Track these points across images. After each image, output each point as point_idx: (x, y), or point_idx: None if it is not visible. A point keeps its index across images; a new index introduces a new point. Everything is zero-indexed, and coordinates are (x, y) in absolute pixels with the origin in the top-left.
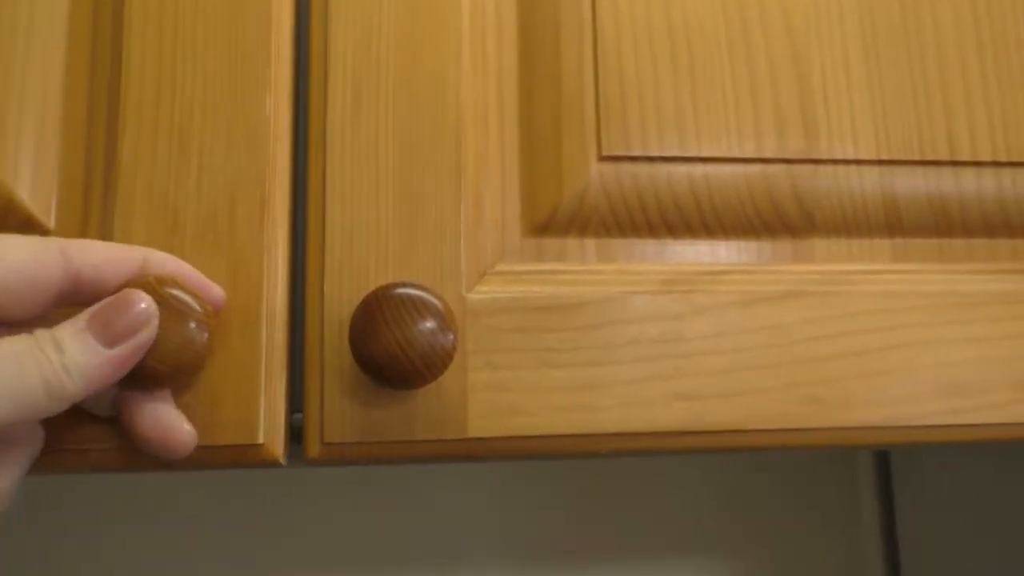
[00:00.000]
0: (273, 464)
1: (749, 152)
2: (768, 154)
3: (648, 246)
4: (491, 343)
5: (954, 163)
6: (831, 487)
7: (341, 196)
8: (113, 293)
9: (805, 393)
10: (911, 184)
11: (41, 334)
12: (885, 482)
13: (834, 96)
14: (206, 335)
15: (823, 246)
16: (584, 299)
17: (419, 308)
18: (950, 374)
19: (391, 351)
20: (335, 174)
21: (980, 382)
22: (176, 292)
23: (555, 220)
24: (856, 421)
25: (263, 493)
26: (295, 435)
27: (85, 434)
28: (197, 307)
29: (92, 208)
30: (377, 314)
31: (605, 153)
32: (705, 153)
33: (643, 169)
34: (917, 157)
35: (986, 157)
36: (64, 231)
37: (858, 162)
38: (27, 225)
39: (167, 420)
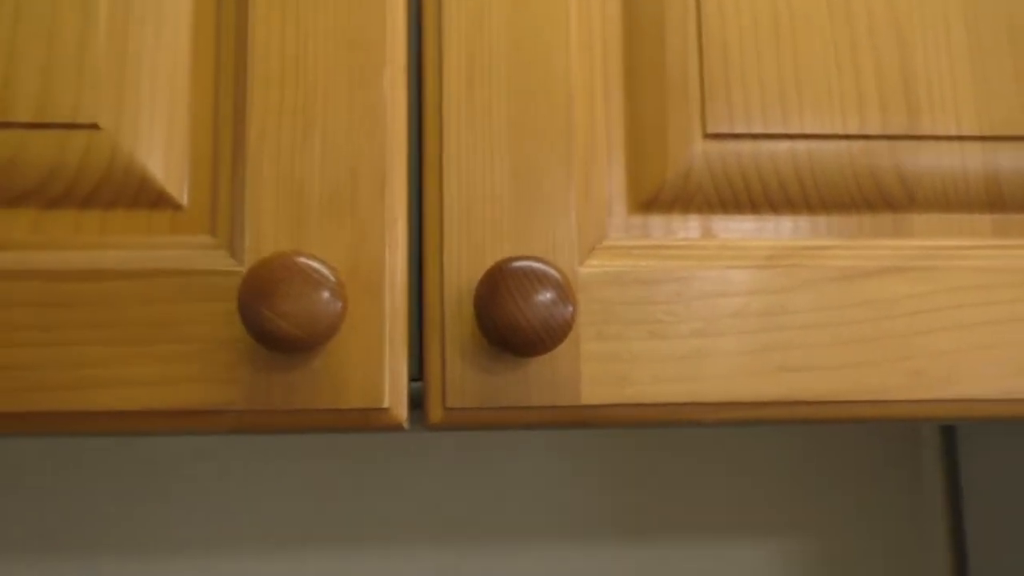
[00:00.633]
0: (397, 428)
1: (852, 129)
2: (871, 131)
3: (749, 222)
4: (601, 315)
5: None
6: (893, 466)
7: (457, 172)
8: None
9: (907, 366)
10: (1013, 160)
11: None
12: (951, 460)
13: (936, 74)
14: (340, 303)
15: (922, 221)
16: (689, 273)
17: (540, 279)
18: None
19: (514, 320)
20: (451, 151)
21: None
22: (312, 263)
23: (660, 197)
24: (957, 394)
25: (327, 464)
26: (415, 402)
27: (223, 396)
28: (331, 276)
29: (221, 184)
30: (501, 285)
31: (710, 131)
32: (808, 130)
33: (746, 146)
34: (1020, 133)
35: None
36: (195, 207)
37: (960, 138)
38: (160, 201)
39: None
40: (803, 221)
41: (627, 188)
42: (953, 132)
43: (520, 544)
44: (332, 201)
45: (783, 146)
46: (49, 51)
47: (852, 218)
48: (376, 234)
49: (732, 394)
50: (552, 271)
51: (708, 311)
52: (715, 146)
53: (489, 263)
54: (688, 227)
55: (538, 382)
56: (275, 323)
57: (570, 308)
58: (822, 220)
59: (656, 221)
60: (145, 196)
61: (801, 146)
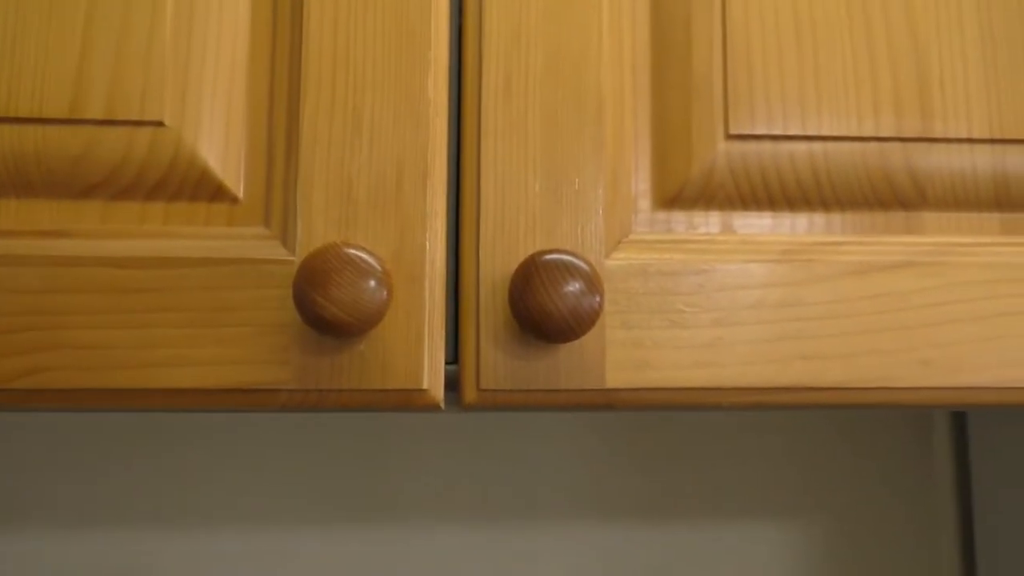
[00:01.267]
0: (434, 408)
1: (867, 131)
2: (885, 133)
3: (767, 218)
4: (626, 305)
5: None
6: (906, 451)
7: (494, 171)
8: None
9: (916, 356)
10: (1021, 161)
11: None
12: (961, 447)
13: (950, 78)
14: (385, 292)
15: (933, 219)
16: (710, 266)
17: (570, 271)
18: None
19: (545, 308)
20: (488, 151)
21: None
22: (361, 253)
23: (683, 194)
24: (963, 382)
25: (356, 438)
26: (449, 384)
27: (275, 376)
28: (378, 266)
29: (275, 179)
30: (534, 276)
31: (732, 132)
32: (826, 132)
33: (767, 147)
34: None
35: None
36: (250, 200)
37: (971, 141)
38: (218, 194)
39: None
40: (819, 218)
41: (652, 186)
42: (964, 135)
43: (541, 524)
44: (378, 195)
45: (801, 147)
46: (119, 50)
47: (865, 215)
48: (418, 227)
49: (749, 380)
50: (581, 263)
51: (727, 302)
52: (737, 146)
53: (522, 255)
54: (709, 223)
55: (566, 367)
56: (327, 309)
57: (597, 298)
58: (837, 217)
59: (679, 217)
60: (205, 189)
61: (818, 147)
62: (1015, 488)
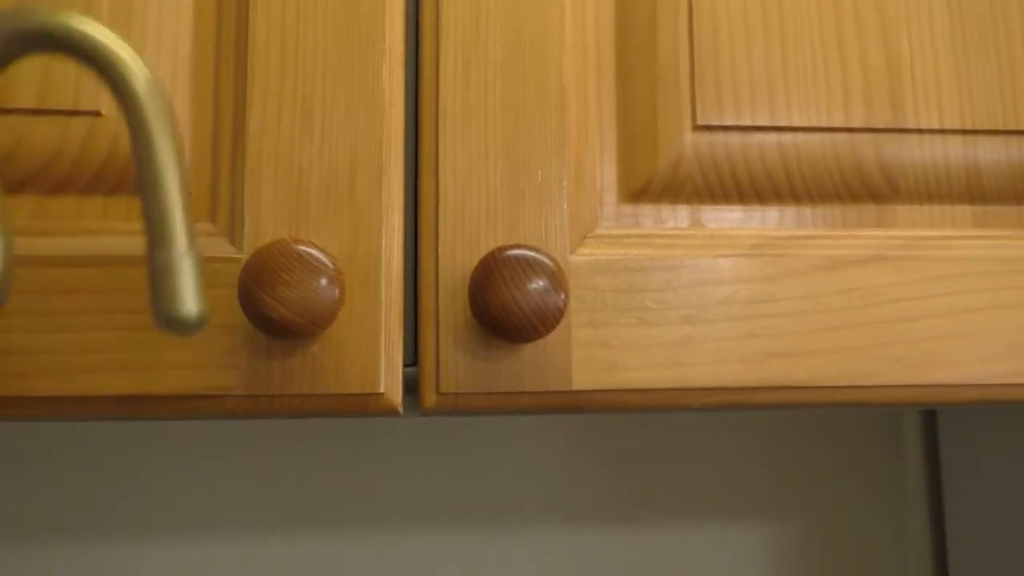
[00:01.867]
0: (392, 412)
1: (837, 122)
2: (856, 124)
3: (737, 211)
4: (592, 302)
5: None
6: (876, 450)
7: (453, 163)
8: None
9: (888, 352)
10: (993, 153)
11: None
12: (931, 445)
13: (920, 69)
14: (337, 290)
15: (905, 212)
16: (678, 262)
17: (533, 267)
18: None
19: (507, 306)
20: (447, 142)
21: None
22: (311, 250)
23: (650, 187)
24: (936, 379)
25: (323, 444)
26: (409, 387)
27: (222, 381)
28: (329, 263)
29: (221, 173)
30: (495, 272)
31: (699, 123)
32: (795, 123)
33: (735, 138)
34: (1000, 127)
35: None
36: (196, 195)
37: (943, 132)
38: None
39: None
40: (789, 211)
41: (618, 178)
42: (936, 126)
43: (512, 528)
44: (330, 190)
45: (770, 138)
46: None
47: (836, 208)
48: (373, 222)
49: (719, 380)
50: (545, 259)
51: (696, 299)
52: (704, 138)
53: (483, 252)
54: (677, 216)
55: (530, 368)
56: (275, 309)
57: (562, 295)
58: (807, 210)
59: (646, 211)
60: None
61: (788, 138)
62: (986, 485)
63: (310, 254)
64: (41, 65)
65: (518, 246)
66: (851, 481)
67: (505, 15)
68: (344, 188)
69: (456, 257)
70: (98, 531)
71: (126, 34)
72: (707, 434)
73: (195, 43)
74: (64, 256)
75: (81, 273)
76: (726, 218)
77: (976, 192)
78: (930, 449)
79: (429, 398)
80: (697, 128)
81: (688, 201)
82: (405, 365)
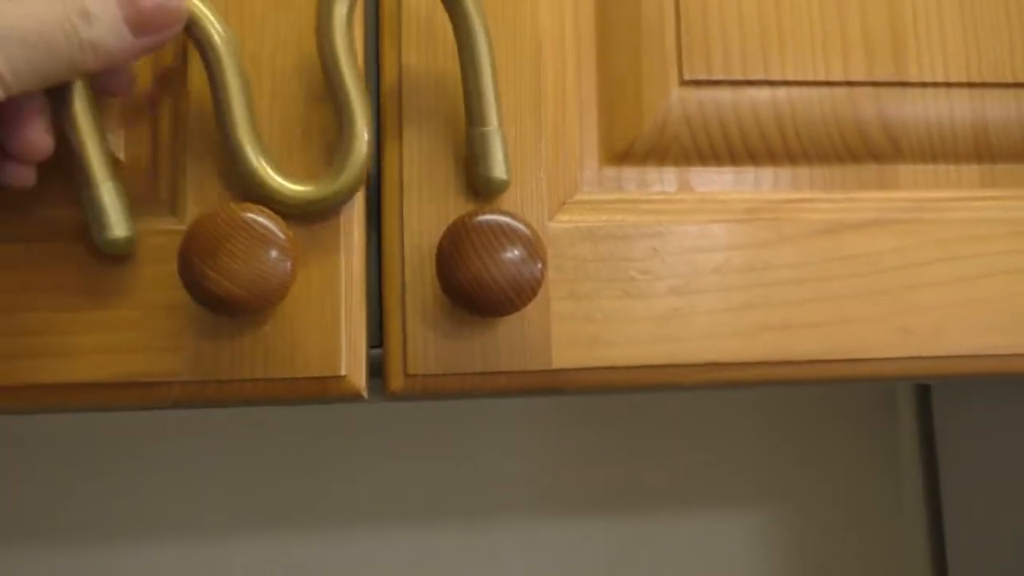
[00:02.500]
0: (355, 397)
1: (836, 75)
2: (855, 77)
3: (728, 174)
4: (573, 273)
5: None
6: (870, 430)
7: (418, 124)
8: None
9: (894, 323)
10: (1002, 108)
11: (72, 4)
12: (927, 427)
13: (924, 17)
14: (288, 263)
15: (908, 172)
16: (665, 228)
17: (507, 235)
18: None
19: (479, 278)
20: (410, 95)
21: None
22: (259, 217)
23: (634, 149)
24: (946, 350)
25: (301, 438)
26: (374, 370)
27: (166, 366)
28: (280, 232)
29: (161, 138)
30: (465, 241)
31: (687, 77)
32: (790, 76)
33: (726, 94)
34: (1010, 80)
35: None
36: (133, 162)
37: (948, 85)
38: None
39: None
40: (784, 172)
41: (599, 139)
42: (940, 79)
43: (498, 519)
44: (282, 153)
45: (764, 93)
46: None
47: (835, 169)
48: None
49: (712, 355)
50: (520, 226)
51: (686, 267)
52: (692, 93)
53: (452, 218)
54: (664, 180)
55: (506, 345)
56: (218, 283)
57: (539, 265)
58: (804, 171)
59: (630, 174)
60: None
61: (782, 93)
62: (982, 467)
63: (256, 221)
64: None
65: (490, 211)
66: (844, 465)
67: None
68: (298, 151)
69: (423, 225)
70: (67, 532)
71: None
72: (696, 421)
73: None
74: None
75: (7, 248)
76: (716, 181)
77: (984, 150)
78: (925, 430)
79: (395, 381)
80: (684, 83)
81: (675, 163)
82: (371, 346)
